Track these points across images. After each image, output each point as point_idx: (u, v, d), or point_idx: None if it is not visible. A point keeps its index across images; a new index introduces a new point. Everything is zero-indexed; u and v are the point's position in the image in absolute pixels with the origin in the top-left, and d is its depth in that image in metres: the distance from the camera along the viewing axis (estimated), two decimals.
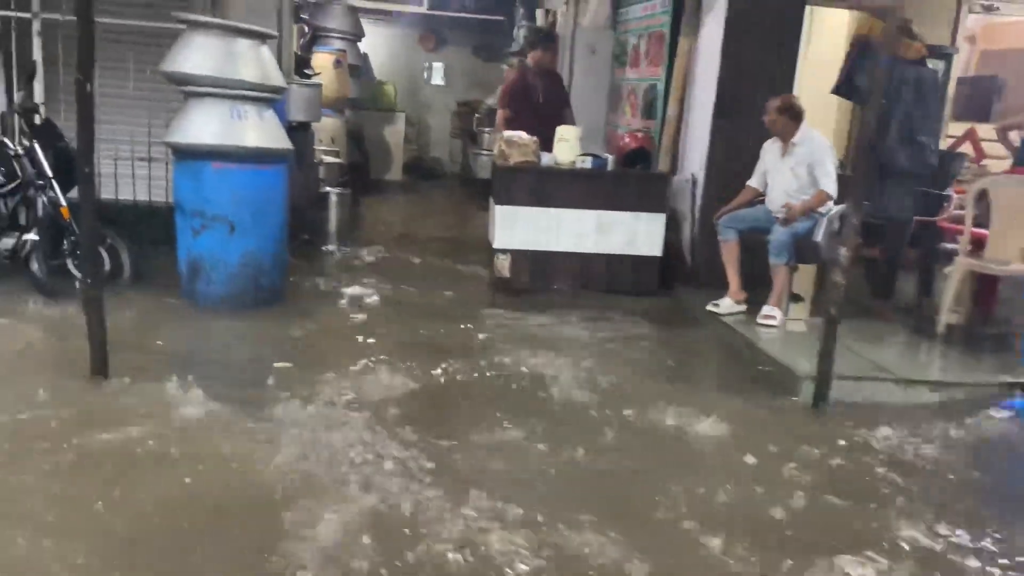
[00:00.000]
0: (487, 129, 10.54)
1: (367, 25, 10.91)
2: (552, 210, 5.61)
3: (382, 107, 11.69)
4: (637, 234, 5.67)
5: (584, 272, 5.70)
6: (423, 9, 11.59)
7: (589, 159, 5.60)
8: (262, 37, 4.80)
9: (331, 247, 6.74)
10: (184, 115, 4.69)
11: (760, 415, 3.75)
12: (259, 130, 4.71)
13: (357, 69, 10.43)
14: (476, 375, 3.96)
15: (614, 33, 7.31)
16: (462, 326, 4.78)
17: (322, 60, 9.12)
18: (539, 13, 8.44)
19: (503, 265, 5.65)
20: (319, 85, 6.77)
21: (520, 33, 8.58)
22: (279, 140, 4.84)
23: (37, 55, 5.57)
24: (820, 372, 3.81)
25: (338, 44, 9.79)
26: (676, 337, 4.90)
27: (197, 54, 4.56)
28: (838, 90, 5.71)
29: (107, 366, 3.52)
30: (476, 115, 11.11)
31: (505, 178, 5.61)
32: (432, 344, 4.40)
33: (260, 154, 4.72)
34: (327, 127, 9.14)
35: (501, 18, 11.35)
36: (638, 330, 4.94)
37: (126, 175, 5.80)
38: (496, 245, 5.66)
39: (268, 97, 4.78)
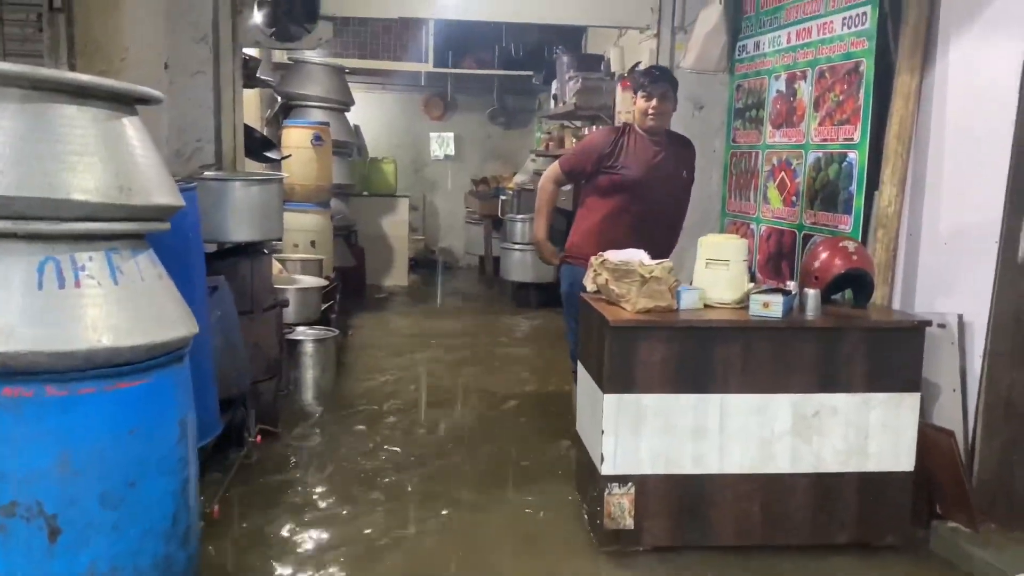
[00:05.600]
0: (519, 216, 8.00)
1: (357, 92, 8.46)
2: (710, 398, 2.98)
3: (379, 191, 9.19)
4: (868, 432, 3.02)
5: (771, 509, 3.04)
6: (428, 67, 9.14)
7: (777, 300, 2.98)
8: (127, 101, 2.25)
9: (298, 455, 3.91)
10: None
11: None
12: (113, 306, 2.10)
13: (346, 146, 7.99)
14: None
15: (731, 78, 4.80)
16: None
17: (296, 137, 6.72)
18: (613, 53, 5.88)
19: (621, 507, 2.98)
20: (278, 180, 4.20)
21: (570, 87, 6.08)
22: (164, 318, 2.23)
23: None
24: None
25: (319, 116, 7.37)
26: None
27: None
28: None
29: None
30: (502, 198, 8.57)
31: (620, 342, 2.97)
32: None
33: (117, 358, 2.11)
34: (305, 226, 6.71)
35: (528, 73, 8.87)
36: None
37: None
38: (607, 471, 2.99)
39: (134, 230, 2.20)
